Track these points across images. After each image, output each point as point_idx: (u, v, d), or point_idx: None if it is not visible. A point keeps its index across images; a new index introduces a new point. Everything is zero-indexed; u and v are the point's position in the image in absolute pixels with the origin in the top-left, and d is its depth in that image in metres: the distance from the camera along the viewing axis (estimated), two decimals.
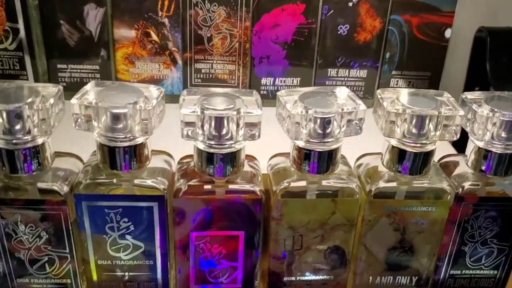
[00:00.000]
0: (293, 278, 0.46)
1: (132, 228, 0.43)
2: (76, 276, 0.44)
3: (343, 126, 0.41)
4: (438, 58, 0.64)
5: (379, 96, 0.43)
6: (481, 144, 0.43)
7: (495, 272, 0.48)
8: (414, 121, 0.41)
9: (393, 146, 0.43)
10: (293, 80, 0.64)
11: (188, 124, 0.39)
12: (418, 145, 0.42)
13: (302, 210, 0.43)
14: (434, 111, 0.41)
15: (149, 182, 0.42)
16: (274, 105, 0.68)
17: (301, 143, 0.41)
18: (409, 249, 0.47)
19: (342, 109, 0.40)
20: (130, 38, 0.61)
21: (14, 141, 0.38)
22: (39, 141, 0.40)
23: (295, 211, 0.43)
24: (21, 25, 0.58)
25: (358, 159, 0.48)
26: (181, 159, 0.45)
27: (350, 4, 0.59)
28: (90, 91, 0.41)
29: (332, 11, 0.60)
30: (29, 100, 0.38)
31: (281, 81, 0.64)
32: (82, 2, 0.58)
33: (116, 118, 0.40)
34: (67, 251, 0.43)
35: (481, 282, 0.49)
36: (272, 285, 0.47)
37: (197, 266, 0.45)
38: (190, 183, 0.42)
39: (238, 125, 0.39)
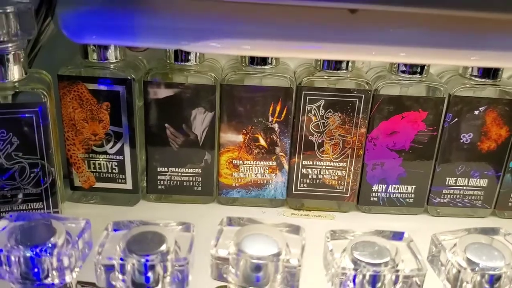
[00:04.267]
0: None
1: None
2: None
3: None
4: None
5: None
6: None
7: None
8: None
9: None
10: (407, 188, 0.59)
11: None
12: None
13: None
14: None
15: None
16: (384, 212, 0.64)
17: None
18: None
19: None
20: (236, 142, 0.57)
21: None
22: None
23: None
24: (124, 129, 0.55)
25: None
26: None
27: (476, 112, 0.55)
28: None
29: (456, 119, 0.55)
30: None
31: (395, 188, 0.59)
32: (190, 106, 0.56)
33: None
34: None
35: None
36: None
37: None
38: None
39: None
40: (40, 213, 0.52)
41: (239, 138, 0.57)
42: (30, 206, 0.52)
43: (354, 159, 0.58)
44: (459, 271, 0.36)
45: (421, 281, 0.36)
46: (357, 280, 0.35)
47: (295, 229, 0.39)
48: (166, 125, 0.57)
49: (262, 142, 0.57)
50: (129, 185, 0.59)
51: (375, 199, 0.60)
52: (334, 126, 0.56)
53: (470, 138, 0.57)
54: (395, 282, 0.35)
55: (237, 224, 0.39)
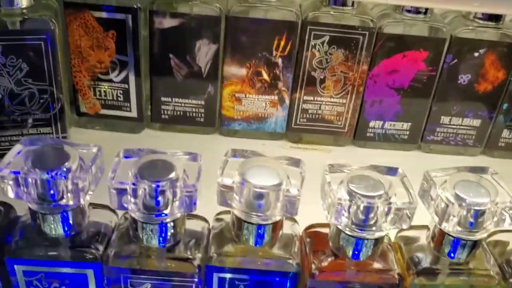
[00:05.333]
0: None
1: None
2: None
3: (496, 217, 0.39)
4: None
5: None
6: None
7: None
8: None
9: None
10: (403, 124, 0.61)
11: None
12: None
13: None
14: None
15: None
16: (379, 147, 0.66)
17: (448, 229, 0.39)
18: None
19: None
20: (239, 76, 0.58)
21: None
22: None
23: None
24: (130, 58, 0.56)
25: (490, 235, 0.46)
26: (308, 228, 0.44)
27: (476, 54, 0.56)
28: None
29: (456, 60, 0.57)
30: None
31: (391, 125, 0.61)
32: (195, 37, 0.56)
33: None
34: None
35: None
36: None
37: None
38: (325, 264, 0.41)
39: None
40: (53, 138, 0.54)
41: (242, 71, 0.58)
42: (39, 131, 0.54)
43: (354, 96, 0.60)
44: (447, 206, 0.39)
45: (411, 213, 0.39)
46: (351, 210, 0.38)
47: (296, 162, 0.41)
48: (171, 55, 0.58)
49: (265, 76, 0.59)
50: (134, 113, 0.61)
51: (371, 134, 0.63)
52: (337, 62, 0.57)
53: (468, 79, 0.58)
54: (387, 214, 0.38)
55: (241, 156, 0.41)
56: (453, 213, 0.39)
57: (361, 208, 0.38)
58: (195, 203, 0.38)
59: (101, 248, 0.40)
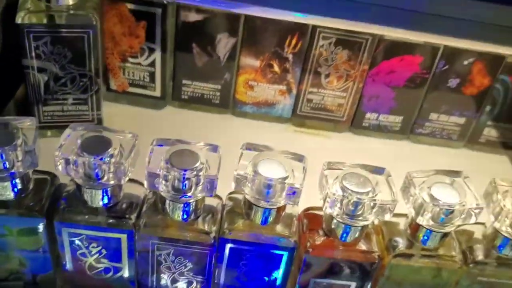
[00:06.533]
0: None
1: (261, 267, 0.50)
2: None
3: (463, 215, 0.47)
4: None
5: (493, 184, 0.48)
6: None
7: None
8: None
9: (496, 229, 0.49)
10: (395, 118, 0.69)
11: None
12: None
13: (409, 271, 0.50)
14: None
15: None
16: (372, 136, 0.74)
17: (422, 222, 0.47)
18: None
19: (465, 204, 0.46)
20: (253, 66, 0.65)
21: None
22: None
23: (403, 272, 0.50)
24: (157, 45, 0.63)
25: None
26: (306, 210, 0.52)
27: (466, 62, 0.63)
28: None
29: (447, 66, 0.63)
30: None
31: (385, 117, 0.69)
32: (216, 30, 0.63)
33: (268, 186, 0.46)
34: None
35: None
36: None
37: None
38: (318, 242, 0.49)
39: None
40: (96, 125, 0.62)
41: (257, 63, 0.65)
42: (78, 108, 0.62)
43: (354, 91, 0.67)
44: (422, 204, 0.47)
45: (392, 208, 0.46)
46: (343, 203, 0.46)
47: (300, 158, 0.49)
48: (193, 45, 0.65)
49: (276, 68, 0.65)
50: (157, 93, 0.68)
51: (367, 124, 0.70)
52: (341, 61, 0.64)
53: (457, 83, 0.65)
54: (372, 207, 0.46)
55: (254, 150, 0.49)
56: (427, 210, 0.47)
57: (351, 202, 0.46)
58: (215, 188, 0.46)
59: (133, 217, 0.48)
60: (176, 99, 0.69)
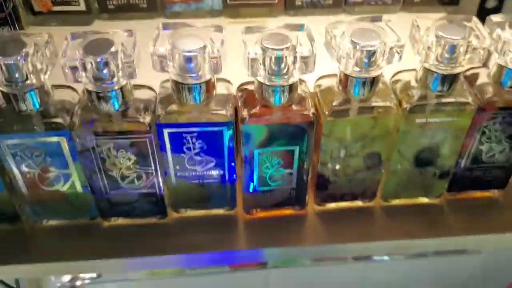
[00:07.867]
0: (337, 178, 0.55)
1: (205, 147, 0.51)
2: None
3: (386, 55, 0.47)
4: None
5: (415, 24, 0.49)
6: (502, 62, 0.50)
7: (506, 163, 0.57)
8: (446, 48, 0.47)
9: (426, 68, 0.49)
10: None
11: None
12: (448, 68, 0.49)
13: (348, 126, 0.51)
14: (463, 40, 0.47)
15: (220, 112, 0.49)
16: (308, 14, 0.73)
17: (348, 71, 0.48)
18: (435, 150, 0.55)
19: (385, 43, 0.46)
20: None
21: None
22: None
23: (342, 128, 0.51)
24: None
25: (394, 75, 0.54)
26: (241, 86, 0.52)
27: None
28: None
29: None
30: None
31: None
32: None
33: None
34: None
35: (493, 172, 0.58)
36: (320, 185, 0.56)
37: (260, 173, 0.54)
38: (254, 111, 0.49)
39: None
40: (11, 31, 0.61)
41: None
42: None
43: None
44: (345, 52, 0.47)
45: (313, 61, 0.47)
46: (266, 63, 0.46)
47: (219, 29, 0.48)
48: None
49: None
50: (82, 7, 0.67)
51: (300, 3, 0.70)
52: None
53: None
54: (294, 62, 0.46)
55: (172, 28, 0.48)
56: (350, 57, 0.47)
57: (273, 60, 0.46)
58: (134, 72, 0.46)
59: (67, 118, 0.49)
60: (103, 11, 0.68)
